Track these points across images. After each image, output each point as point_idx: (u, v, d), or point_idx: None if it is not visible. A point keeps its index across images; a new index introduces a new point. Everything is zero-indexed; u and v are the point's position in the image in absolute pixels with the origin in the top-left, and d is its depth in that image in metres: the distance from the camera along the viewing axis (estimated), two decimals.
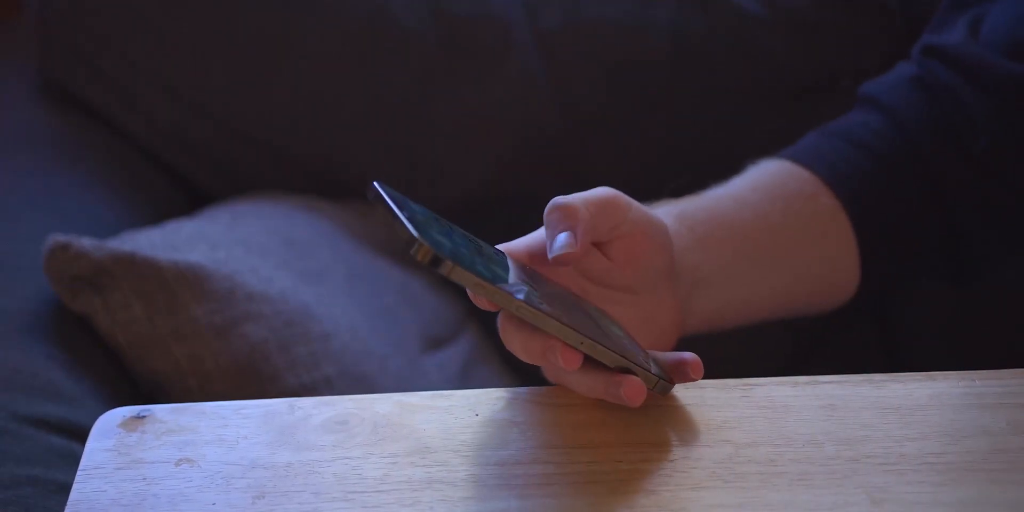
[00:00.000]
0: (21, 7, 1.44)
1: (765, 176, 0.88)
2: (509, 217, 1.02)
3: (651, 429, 0.64)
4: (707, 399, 0.66)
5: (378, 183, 0.61)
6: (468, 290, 0.61)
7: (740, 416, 0.64)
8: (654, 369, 0.64)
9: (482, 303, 0.63)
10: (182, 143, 1.32)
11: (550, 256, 0.66)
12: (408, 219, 0.59)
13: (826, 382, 0.67)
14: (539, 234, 0.69)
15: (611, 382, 0.63)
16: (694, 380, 0.65)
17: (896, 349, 1.32)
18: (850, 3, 1.30)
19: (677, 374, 0.66)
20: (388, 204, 0.60)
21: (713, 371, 0.66)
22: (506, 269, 0.64)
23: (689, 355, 0.66)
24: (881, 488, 0.59)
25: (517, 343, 0.64)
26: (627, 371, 0.63)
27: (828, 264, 0.88)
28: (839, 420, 0.64)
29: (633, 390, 0.62)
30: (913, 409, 0.65)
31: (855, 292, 0.89)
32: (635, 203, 0.70)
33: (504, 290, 0.61)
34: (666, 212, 0.79)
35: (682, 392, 0.66)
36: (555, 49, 1.31)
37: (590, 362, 0.63)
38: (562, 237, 0.66)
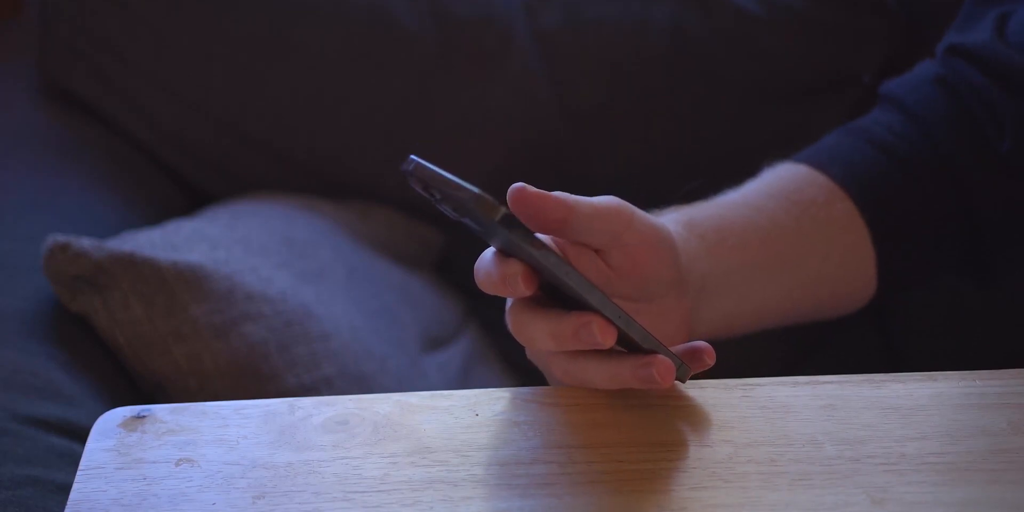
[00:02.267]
0: (21, 7, 1.45)
1: (781, 181, 0.86)
2: None
3: (652, 429, 0.64)
4: (707, 399, 0.65)
5: (414, 156, 0.60)
6: (495, 260, 0.60)
7: (740, 416, 0.64)
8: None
9: (510, 276, 0.61)
10: (182, 143, 1.32)
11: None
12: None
13: (826, 382, 0.67)
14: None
15: (639, 363, 0.62)
16: (709, 366, 0.65)
17: (896, 349, 1.32)
18: (850, 3, 1.30)
19: (692, 362, 0.65)
20: (434, 169, 0.59)
21: (713, 371, 0.66)
22: None
23: (701, 343, 0.66)
24: (881, 488, 0.59)
25: (542, 325, 0.62)
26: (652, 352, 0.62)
27: (843, 270, 0.86)
28: (839, 420, 0.64)
29: (664, 368, 0.61)
30: (913, 409, 0.64)
31: (873, 295, 0.88)
32: (639, 212, 0.68)
33: (557, 253, 0.60)
34: (675, 219, 0.77)
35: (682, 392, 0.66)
36: (555, 49, 1.31)
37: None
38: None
